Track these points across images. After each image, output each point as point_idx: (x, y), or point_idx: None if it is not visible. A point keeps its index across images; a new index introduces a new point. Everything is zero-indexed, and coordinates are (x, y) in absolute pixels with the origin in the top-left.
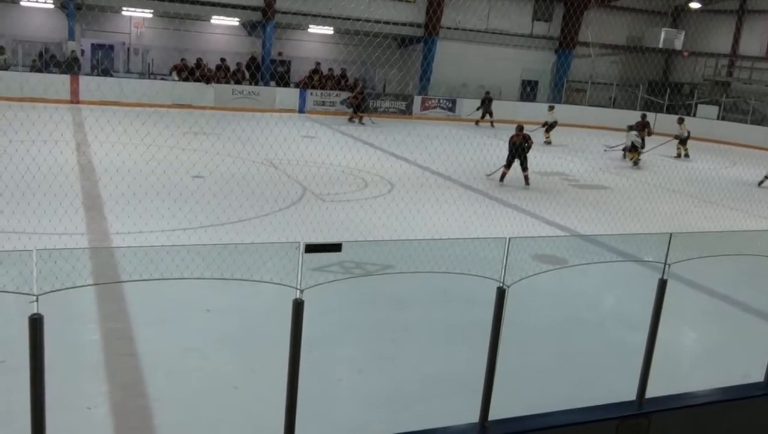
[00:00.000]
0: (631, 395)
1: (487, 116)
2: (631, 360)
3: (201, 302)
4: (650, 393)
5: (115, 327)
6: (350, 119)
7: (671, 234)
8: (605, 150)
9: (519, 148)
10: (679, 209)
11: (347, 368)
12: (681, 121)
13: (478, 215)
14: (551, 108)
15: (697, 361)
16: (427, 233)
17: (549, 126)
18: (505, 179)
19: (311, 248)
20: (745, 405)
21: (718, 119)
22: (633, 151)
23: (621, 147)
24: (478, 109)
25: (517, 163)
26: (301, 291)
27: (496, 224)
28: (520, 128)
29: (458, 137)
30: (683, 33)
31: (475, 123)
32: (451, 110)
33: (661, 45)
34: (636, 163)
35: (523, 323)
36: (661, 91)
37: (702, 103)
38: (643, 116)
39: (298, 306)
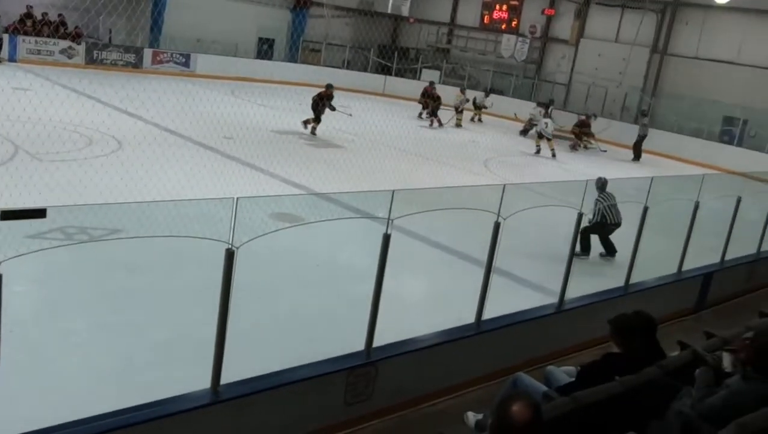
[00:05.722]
0: (361, 346)
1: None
2: (360, 312)
3: None
4: (381, 341)
5: None
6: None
7: (393, 191)
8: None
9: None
10: (408, 168)
11: (66, 343)
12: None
13: (213, 175)
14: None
15: (421, 307)
16: (157, 194)
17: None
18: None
19: (8, 215)
20: (459, 344)
21: (439, 82)
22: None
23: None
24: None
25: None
26: None
27: (232, 183)
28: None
29: (193, 93)
30: (409, 0)
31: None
32: (186, 65)
33: (389, 10)
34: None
35: (257, 283)
36: (390, 55)
37: (426, 67)
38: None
39: None
